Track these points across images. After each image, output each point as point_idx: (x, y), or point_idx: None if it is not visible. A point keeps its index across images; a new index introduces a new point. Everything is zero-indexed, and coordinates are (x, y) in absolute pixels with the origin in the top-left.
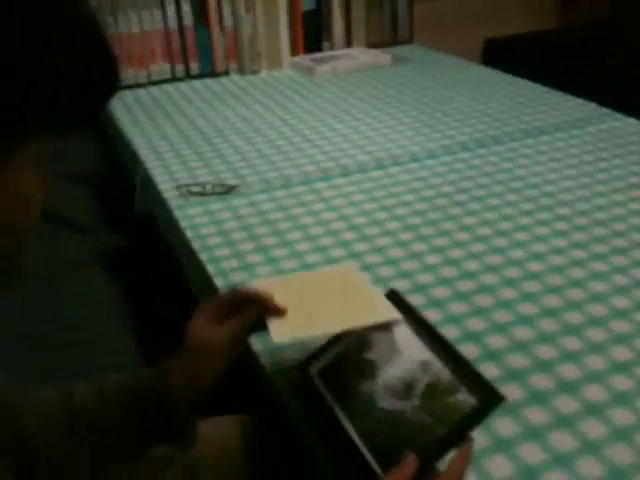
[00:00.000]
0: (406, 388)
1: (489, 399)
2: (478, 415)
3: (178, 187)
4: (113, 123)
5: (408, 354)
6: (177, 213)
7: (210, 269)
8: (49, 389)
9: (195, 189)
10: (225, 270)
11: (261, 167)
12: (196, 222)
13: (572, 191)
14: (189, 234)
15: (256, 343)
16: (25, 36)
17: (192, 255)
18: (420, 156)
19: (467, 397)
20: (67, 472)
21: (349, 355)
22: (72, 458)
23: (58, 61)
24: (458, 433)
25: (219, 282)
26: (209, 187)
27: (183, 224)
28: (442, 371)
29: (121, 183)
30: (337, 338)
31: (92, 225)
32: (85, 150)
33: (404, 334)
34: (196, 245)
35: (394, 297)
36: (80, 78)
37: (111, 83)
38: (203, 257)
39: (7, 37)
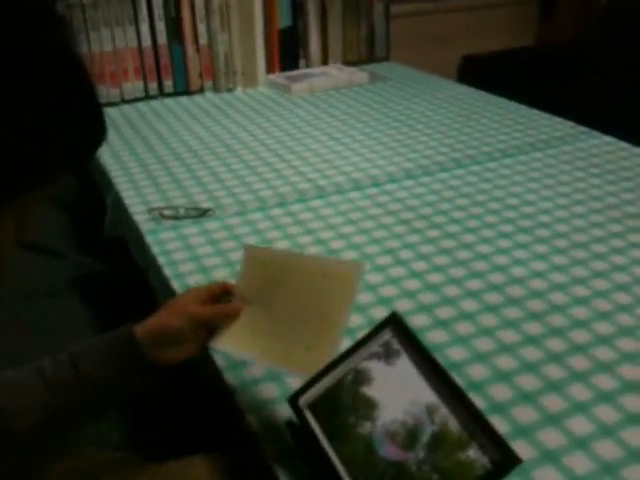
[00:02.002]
0: (410, 435)
1: (504, 462)
2: (491, 478)
3: (150, 210)
4: None
5: (411, 394)
6: (149, 238)
7: None
8: (13, 370)
9: (168, 212)
10: None
11: (236, 189)
12: (168, 247)
13: (551, 212)
14: (161, 260)
15: (231, 377)
16: (14, 100)
17: (164, 281)
18: (398, 177)
19: (479, 455)
20: (43, 440)
21: (344, 388)
22: (50, 427)
23: (47, 124)
24: None
25: None
26: (182, 211)
27: (155, 249)
28: (449, 419)
29: (93, 205)
30: (331, 365)
31: (65, 249)
32: None
33: (406, 369)
34: (168, 271)
35: (396, 322)
36: (69, 137)
37: (99, 136)
38: (175, 284)
39: None
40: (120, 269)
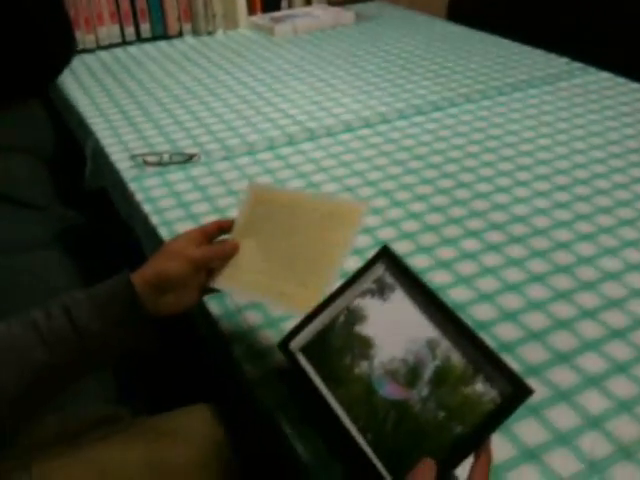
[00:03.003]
0: (411, 372)
1: (515, 394)
2: (502, 413)
3: (132, 157)
4: (60, 91)
5: (410, 330)
6: (132, 185)
7: None
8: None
9: (151, 159)
10: None
11: (222, 133)
12: (153, 194)
13: (550, 149)
14: (146, 208)
15: (226, 326)
16: None
17: (150, 230)
18: (390, 117)
19: (487, 389)
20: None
21: (337, 329)
22: (46, 386)
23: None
24: (479, 435)
25: None
26: (166, 156)
27: (139, 197)
28: (453, 353)
29: (72, 157)
30: (322, 306)
31: (44, 201)
32: (35, 122)
33: (402, 305)
34: (155, 219)
35: (387, 255)
36: (34, 46)
37: (67, 49)
38: (163, 231)
39: None
40: (103, 221)
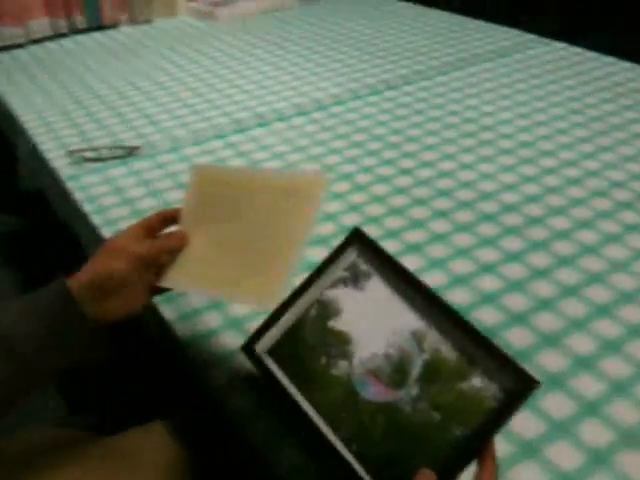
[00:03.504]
0: (397, 370)
1: (519, 387)
2: (507, 411)
3: (69, 154)
4: None
5: (391, 321)
6: (69, 184)
7: None
8: None
9: (90, 154)
10: None
11: (166, 123)
12: (94, 192)
13: (512, 122)
14: (86, 207)
15: (182, 330)
16: None
17: (92, 232)
18: (344, 98)
19: (486, 383)
20: None
21: (309, 325)
22: None
23: None
24: (482, 436)
25: None
26: (106, 151)
27: (78, 196)
28: (442, 344)
29: (7, 157)
30: (289, 301)
31: None
32: None
33: (380, 293)
34: (96, 219)
35: (360, 239)
36: None
37: None
38: (106, 232)
39: None
40: (39, 224)
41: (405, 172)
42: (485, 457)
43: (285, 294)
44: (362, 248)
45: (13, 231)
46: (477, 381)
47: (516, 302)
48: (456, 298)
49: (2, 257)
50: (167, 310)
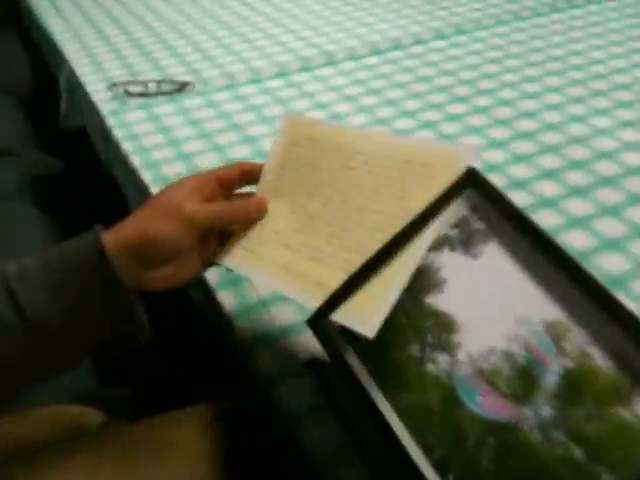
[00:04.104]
0: (522, 377)
1: None
2: None
3: (112, 87)
4: (34, 18)
5: (517, 305)
6: (111, 120)
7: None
8: None
9: (135, 89)
10: None
11: (222, 59)
12: (136, 131)
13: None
14: (126, 146)
15: (228, 299)
16: None
17: (132, 175)
18: (425, 37)
19: None
20: None
21: (399, 300)
22: None
23: None
24: None
25: None
26: (153, 85)
27: (119, 134)
28: (593, 347)
29: (51, 93)
30: (372, 262)
31: (16, 146)
32: (9, 55)
33: (503, 264)
34: (136, 160)
35: (477, 183)
36: None
37: None
38: (146, 176)
39: None
40: (81, 166)
41: (480, 110)
42: None
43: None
44: (478, 198)
45: (53, 174)
46: None
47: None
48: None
49: (40, 202)
50: (212, 275)
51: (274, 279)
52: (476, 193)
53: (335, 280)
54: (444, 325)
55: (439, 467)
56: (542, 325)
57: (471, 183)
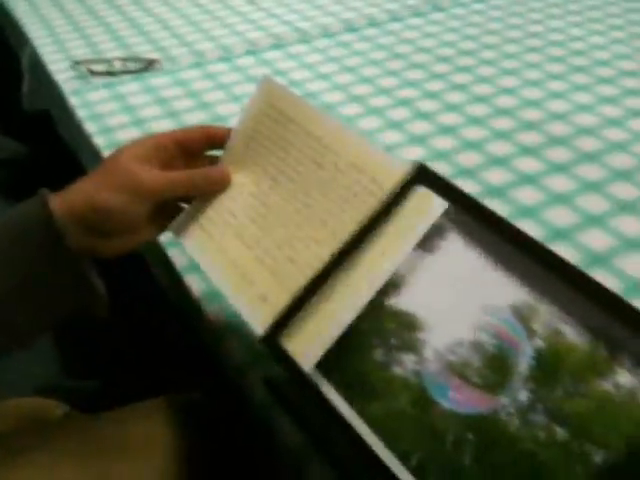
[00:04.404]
0: (493, 364)
1: None
2: None
3: (75, 65)
4: None
5: (481, 293)
6: (73, 100)
7: None
8: None
9: (99, 67)
10: None
11: (190, 37)
12: (100, 110)
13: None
14: (90, 127)
15: (198, 282)
16: None
17: (96, 155)
18: (401, 15)
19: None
20: None
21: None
22: None
23: None
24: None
25: None
26: (118, 63)
27: (82, 113)
28: (563, 323)
29: (12, 75)
30: (325, 270)
31: None
32: None
33: (461, 254)
34: (100, 141)
35: (428, 177)
36: None
37: None
38: None
39: None
40: (46, 150)
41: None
42: None
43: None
44: (432, 190)
45: (15, 158)
46: (625, 377)
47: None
48: None
49: (4, 188)
50: (178, 258)
51: (220, 276)
52: (428, 186)
53: (278, 298)
54: (407, 324)
55: (418, 473)
56: (509, 309)
57: (422, 177)
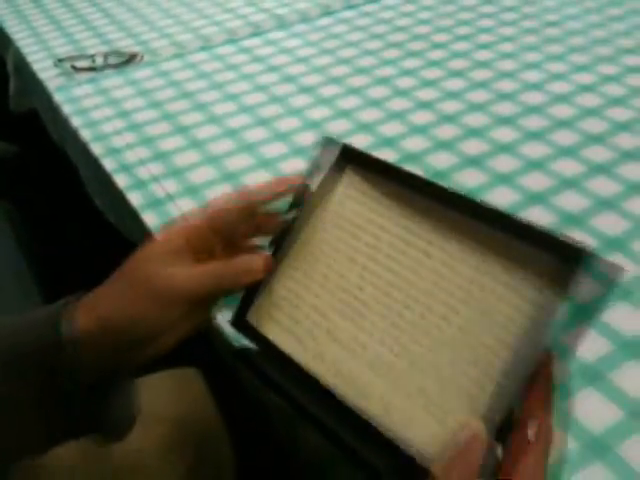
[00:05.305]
0: None
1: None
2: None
3: (58, 63)
4: None
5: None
6: (58, 96)
7: (109, 164)
8: None
9: (82, 63)
10: (132, 164)
11: (170, 29)
12: (85, 105)
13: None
14: (75, 121)
15: None
16: None
17: (83, 148)
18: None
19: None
20: None
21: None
22: None
23: None
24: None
25: (122, 180)
26: (100, 59)
27: (67, 109)
28: None
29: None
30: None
31: None
32: None
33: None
34: (86, 134)
35: (350, 156)
36: None
37: None
38: (97, 149)
39: None
40: (35, 150)
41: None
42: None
43: None
44: (361, 172)
45: (4, 157)
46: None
47: (473, 147)
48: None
49: None
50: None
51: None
52: (356, 169)
53: (404, 407)
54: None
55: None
56: None
57: (350, 159)
